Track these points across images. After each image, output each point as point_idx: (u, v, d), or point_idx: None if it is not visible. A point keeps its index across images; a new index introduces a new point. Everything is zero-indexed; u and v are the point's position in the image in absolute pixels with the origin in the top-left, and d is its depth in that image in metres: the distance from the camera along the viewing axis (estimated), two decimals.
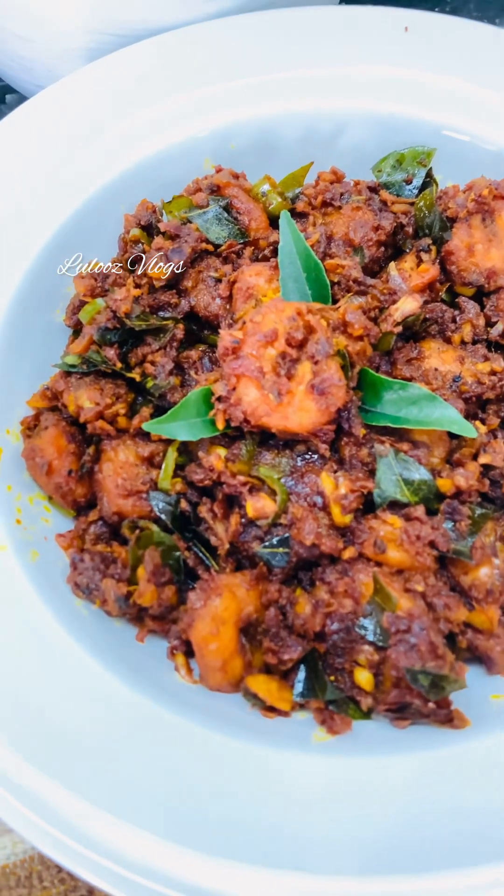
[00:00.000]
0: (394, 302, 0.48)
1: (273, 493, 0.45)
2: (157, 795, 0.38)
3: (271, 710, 0.42)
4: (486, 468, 0.45)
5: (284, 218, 0.49)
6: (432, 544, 0.43)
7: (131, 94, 0.57)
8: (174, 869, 0.35)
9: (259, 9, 0.60)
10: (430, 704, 0.40)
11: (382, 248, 0.52)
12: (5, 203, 0.53)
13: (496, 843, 0.35)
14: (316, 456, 0.45)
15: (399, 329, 0.47)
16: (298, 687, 0.42)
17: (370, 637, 0.42)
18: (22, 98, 0.72)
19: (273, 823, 0.37)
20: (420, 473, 0.44)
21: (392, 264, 0.51)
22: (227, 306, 0.51)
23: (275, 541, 0.44)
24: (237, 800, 0.37)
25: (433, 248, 0.52)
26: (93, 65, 0.57)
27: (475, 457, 0.45)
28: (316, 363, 0.42)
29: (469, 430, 0.43)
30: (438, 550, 0.43)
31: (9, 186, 0.53)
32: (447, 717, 0.40)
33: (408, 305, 0.46)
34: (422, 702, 0.40)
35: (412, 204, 0.53)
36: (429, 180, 0.55)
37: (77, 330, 0.52)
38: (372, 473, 0.44)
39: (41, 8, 0.57)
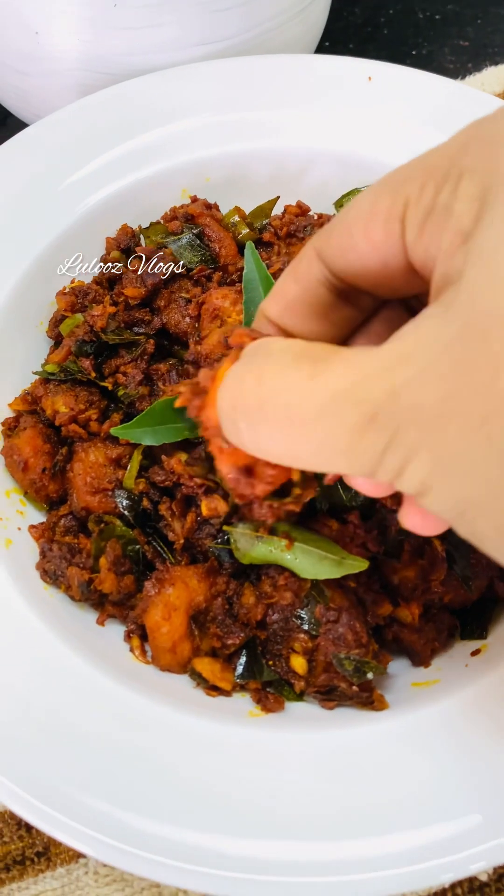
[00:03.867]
0: None
1: (226, 494, 0.50)
2: (111, 761, 0.42)
3: (214, 689, 0.47)
4: None
5: (249, 248, 0.54)
6: (364, 545, 0.48)
7: (117, 127, 0.62)
8: (123, 818, 0.40)
9: (240, 54, 0.65)
10: (354, 688, 0.45)
11: None
12: None
13: (390, 810, 0.40)
14: None
15: None
16: (239, 669, 0.47)
17: (305, 626, 0.47)
18: (20, 122, 0.77)
19: (205, 785, 0.41)
20: None
21: None
22: (196, 325, 0.56)
23: (226, 538, 0.49)
24: (176, 765, 0.42)
25: None
26: (84, 99, 0.62)
27: None
28: None
29: None
30: (370, 551, 0.48)
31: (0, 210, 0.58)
32: (368, 700, 0.45)
33: None
34: (347, 685, 0.45)
35: None
36: None
37: (57, 341, 0.57)
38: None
39: (37, 47, 0.63)
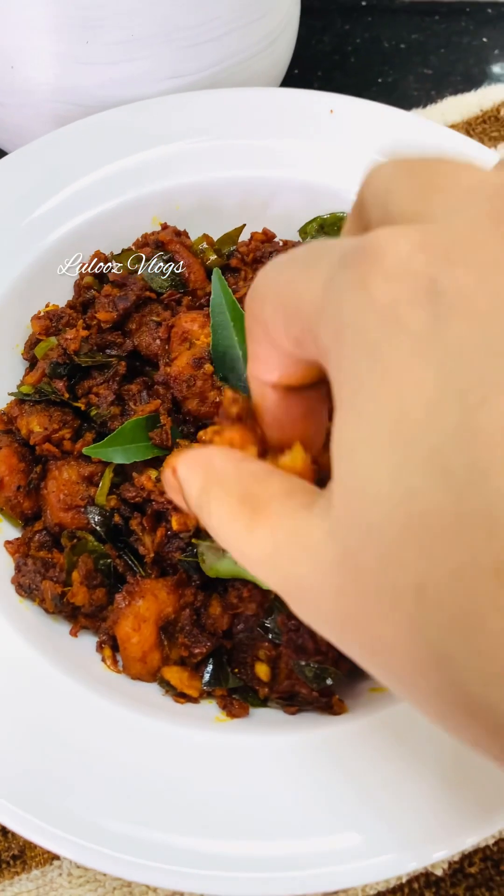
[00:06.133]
0: None
1: None
2: (81, 765, 0.44)
3: (182, 696, 0.49)
4: None
5: (216, 275, 0.56)
6: None
7: (91, 156, 0.65)
8: (94, 819, 0.42)
9: (209, 87, 0.68)
10: (314, 693, 0.47)
11: None
12: None
13: (340, 811, 0.42)
14: None
15: None
16: (206, 677, 0.49)
17: (269, 636, 0.49)
18: None
19: (173, 786, 0.44)
20: None
21: None
22: (166, 346, 0.59)
23: (195, 551, 0.52)
24: (142, 765, 0.44)
25: None
26: (59, 130, 0.65)
27: None
28: None
29: None
30: None
31: None
32: (328, 705, 0.47)
33: None
34: (307, 691, 0.47)
35: None
36: None
37: (33, 363, 0.60)
38: None
39: (13, 79, 0.65)
